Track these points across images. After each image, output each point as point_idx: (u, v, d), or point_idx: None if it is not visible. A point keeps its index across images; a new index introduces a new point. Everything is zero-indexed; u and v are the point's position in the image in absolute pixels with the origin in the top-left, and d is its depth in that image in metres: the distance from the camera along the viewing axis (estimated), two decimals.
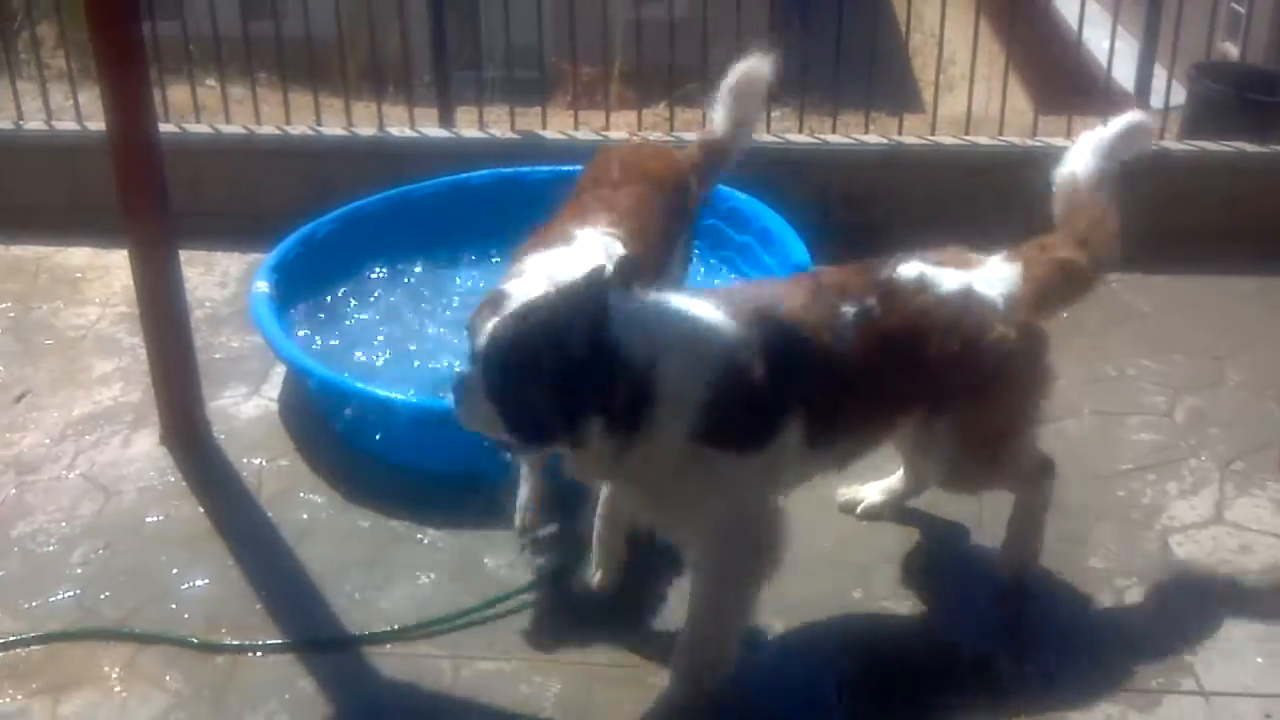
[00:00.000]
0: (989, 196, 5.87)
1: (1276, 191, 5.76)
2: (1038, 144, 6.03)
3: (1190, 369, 4.90)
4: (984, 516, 4.09)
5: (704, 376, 3.05)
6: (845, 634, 3.66)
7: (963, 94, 6.38)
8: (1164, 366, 4.91)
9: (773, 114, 6.42)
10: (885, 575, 3.86)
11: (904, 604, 3.75)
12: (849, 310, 3.31)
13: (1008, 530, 3.82)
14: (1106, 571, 3.86)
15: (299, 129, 6.28)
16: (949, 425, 3.48)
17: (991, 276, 3.50)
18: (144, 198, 4.30)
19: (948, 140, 6.13)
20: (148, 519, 4.20)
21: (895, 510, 4.07)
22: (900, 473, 4.04)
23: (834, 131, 6.23)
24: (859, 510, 4.09)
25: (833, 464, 3.57)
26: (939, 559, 3.94)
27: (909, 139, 6.15)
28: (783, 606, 3.72)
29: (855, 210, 5.88)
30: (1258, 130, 6.04)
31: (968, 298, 3.41)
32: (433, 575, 3.92)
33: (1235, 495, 4.20)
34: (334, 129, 6.26)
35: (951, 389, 3.43)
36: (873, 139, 6.15)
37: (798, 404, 3.22)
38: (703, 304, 3.21)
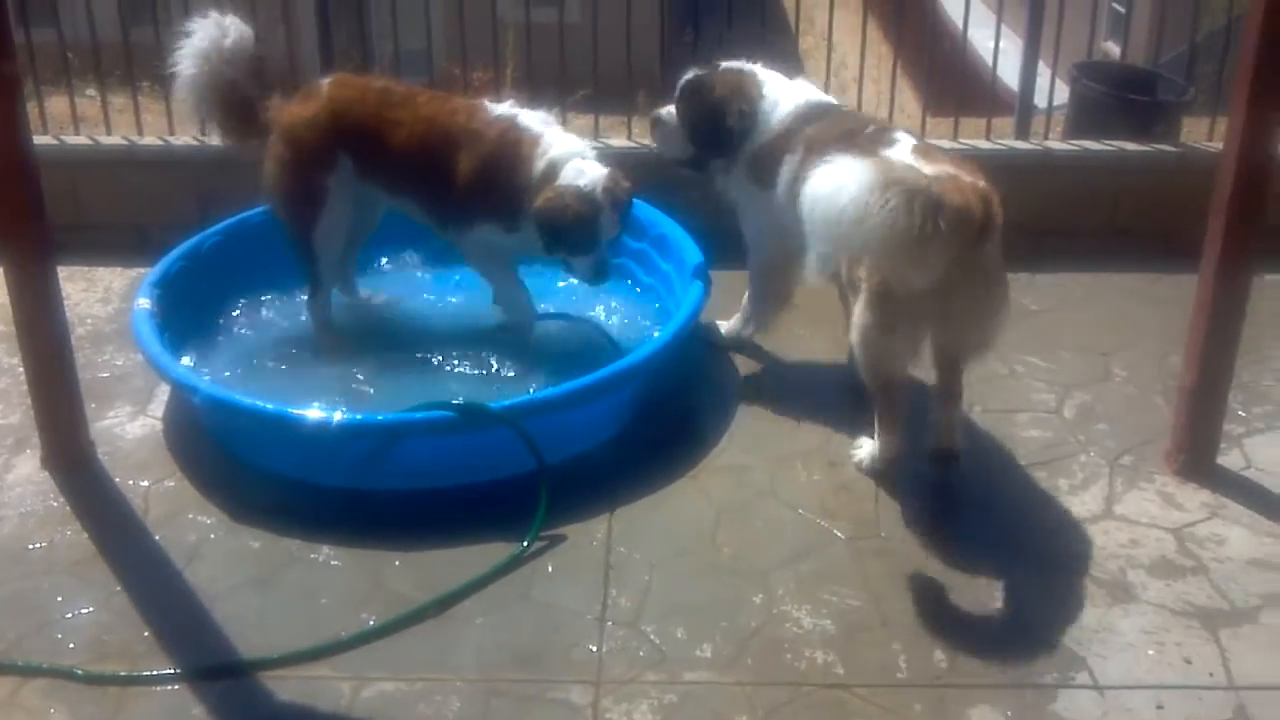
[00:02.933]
0: None
1: (1157, 190, 5.90)
2: None
3: (1078, 366, 5.00)
4: (880, 517, 4.13)
5: None
6: (745, 639, 3.66)
7: (854, 95, 6.44)
8: (1052, 364, 5.00)
9: None
10: (784, 578, 3.88)
11: (802, 608, 3.77)
12: None
13: None
14: (1001, 568, 3.92)
15: (183, 139, 6.13)
16: None
17: None
18: (18, 213, 4.17)
19: None
20: (30, 546, 4.07)
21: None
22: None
23: None
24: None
25: None
26: (836, 561, 3.96)
27: None
28: (681, 611, 3.73)
29: None
30: (1138, 130, 6.17)
31: None
32: (329, 595, 3.85)
33: (1124, 490, 4.29)
34: (218, 139, 6.11)
35: None
36: None
37: None
38: None
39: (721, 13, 6.06)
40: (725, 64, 4.86)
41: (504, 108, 4.86)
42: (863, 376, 4.23)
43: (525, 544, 3.99)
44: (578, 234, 4.62)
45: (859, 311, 4.11)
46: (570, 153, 4.67)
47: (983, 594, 3.82)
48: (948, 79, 6.93)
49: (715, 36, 6.19)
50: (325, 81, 4.95)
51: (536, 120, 4.81)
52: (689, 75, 4.88)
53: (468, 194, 4.72)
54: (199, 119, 5.06)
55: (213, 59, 4.83)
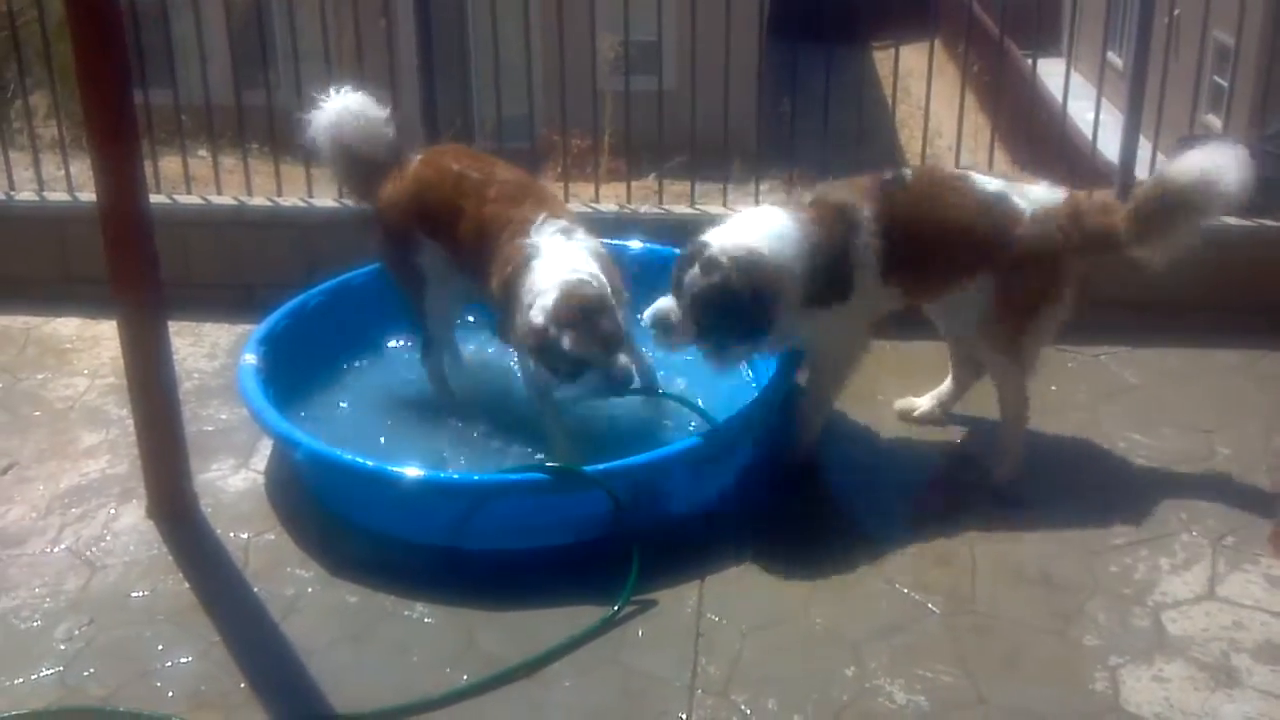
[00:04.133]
0: None
1: (1261, 266, 5.80)
2: None
3: (1180, 443, 4.91)
4: (977, 592, 4.08)
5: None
6: (837, 712, 3.62)
7: (949, 164, 6.43)
8: (1154, 440, 4.91)
9: (761, 185, 6.46)
10: (877, 652, 3.84)
11: (896, 682, 3.72)
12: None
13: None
14: (1099, 649, 3.84)
15: (290, 200, 6.30)
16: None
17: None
18: (134, 269, 4.30)
19: None
20: (133, 594, 4.16)
21: (945, 414, 5.02)
22: (947, 382, 4.98)
23: None
24: (915, 415, 5.04)
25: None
26: (931, 636, 3.91)
27: None
28: (772, 681, 3.70)
29: None
30: (1242, 204, 6.07)
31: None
32: (422, 652, 3.88)
33: (1227, 571, 4.19)
34: (325, 201, 6.28)
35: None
36: None
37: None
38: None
39: (819, 79, 6.09)
40: (723, 240, 4.36)
41: (549, 230, 4.59)
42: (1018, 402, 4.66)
43: (617, 608, 4.00)
44: (550, 356, 4.43)
45: (1028, 332, 4.55)
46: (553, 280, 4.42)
47: (1083, 674, 3.75)
48: (1046, 150, 6.90)
49: (811, 104, 6.23)
50: (415, 159, 5.00)
51: (555, 244, 4.55)
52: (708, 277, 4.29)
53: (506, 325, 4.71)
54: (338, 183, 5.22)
55: (343, 133, 4.94)
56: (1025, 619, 3.97)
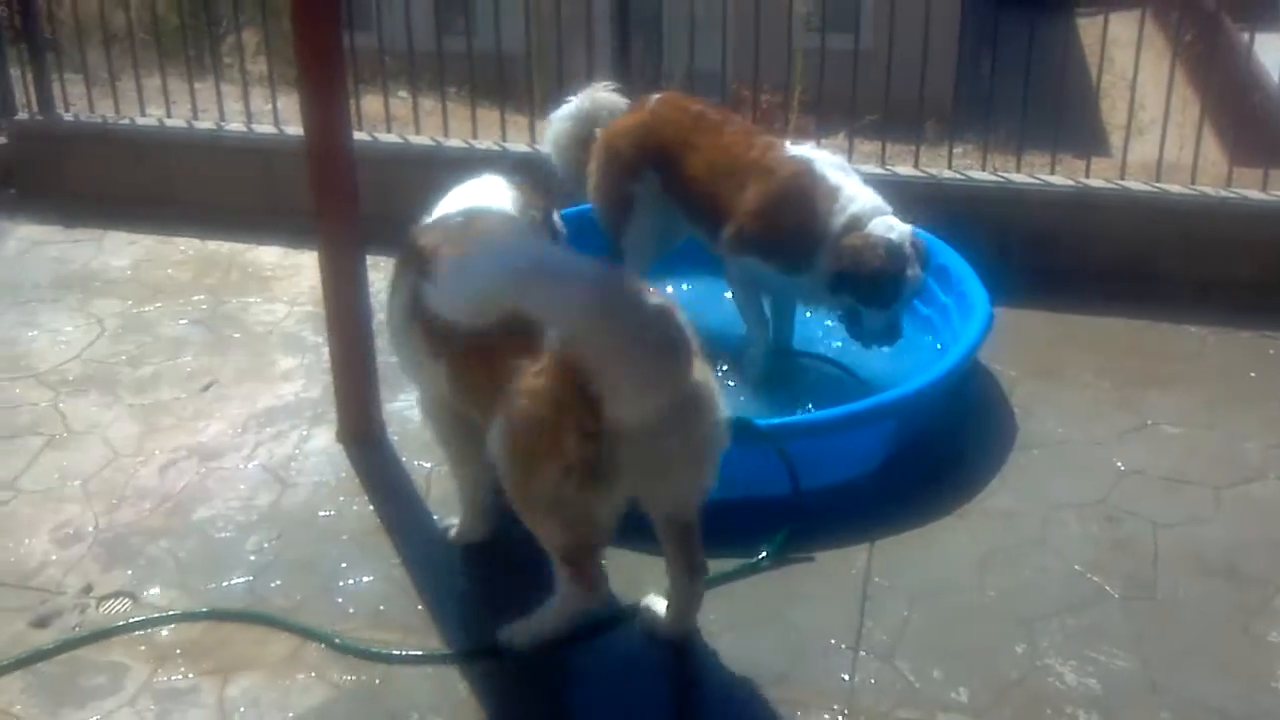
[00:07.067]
0: (1177, 246, 5.70)
1: None
2: (1232, 195, 5.82)
3: None
4: (1159, 578, 3.96)
5: None
6: (1005, 689, 3.57)
7: (1152, 139, 6.20)
8: None
9: (955, 150, 6.33)
10: (1050, 631, 3.77)
11: (1068, 664, 3.65)
12: None
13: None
14: None
15: (485, 143, 6.42)
16: None
17: None
18: (336, 201, 4.45)
19: (1137, 186, 5.95)
20: (320, 513, 4.33)
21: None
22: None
23: (1019, 171, 6.11)
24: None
25: None
26: (1109, 620, 3.82)
27: (1096, 182, 5.99)
28: (939, 650, 3.67)
29: (1037, 253, 5.75)
30: None
31: None
32: None
33: None
34: (519, 145, 6.39)
35: None
36: (1059, 180, 6.00)
37: None
38: None
39: (1022, 43, 5.93)
40: None
41: (802, 149, 4.89)
42: None
43: (763, 554, 4.02)
44: (883, 286, 4.55)
45: None
46: (875, 208, 4.64)
47: (1265, 671, 3.61)
48: (1258, 130, 6.61)
49: (1011, 70, 6.06)
50: (654, 97, 5.25)
51: (834, 167, 4.79)
52: None
53: (747, 227, 4.77)
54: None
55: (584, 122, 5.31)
56: (1207, 610, 3.85)
